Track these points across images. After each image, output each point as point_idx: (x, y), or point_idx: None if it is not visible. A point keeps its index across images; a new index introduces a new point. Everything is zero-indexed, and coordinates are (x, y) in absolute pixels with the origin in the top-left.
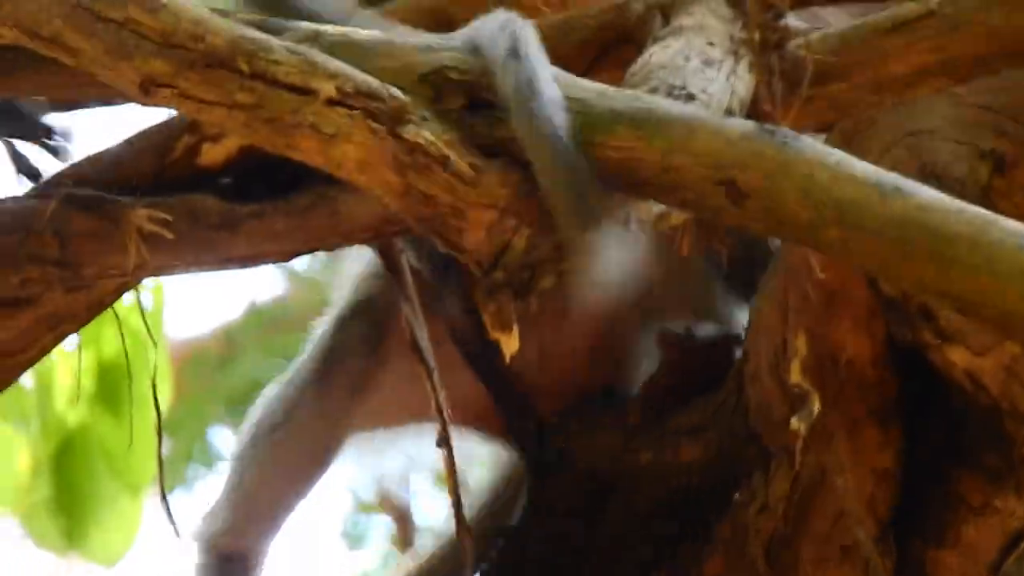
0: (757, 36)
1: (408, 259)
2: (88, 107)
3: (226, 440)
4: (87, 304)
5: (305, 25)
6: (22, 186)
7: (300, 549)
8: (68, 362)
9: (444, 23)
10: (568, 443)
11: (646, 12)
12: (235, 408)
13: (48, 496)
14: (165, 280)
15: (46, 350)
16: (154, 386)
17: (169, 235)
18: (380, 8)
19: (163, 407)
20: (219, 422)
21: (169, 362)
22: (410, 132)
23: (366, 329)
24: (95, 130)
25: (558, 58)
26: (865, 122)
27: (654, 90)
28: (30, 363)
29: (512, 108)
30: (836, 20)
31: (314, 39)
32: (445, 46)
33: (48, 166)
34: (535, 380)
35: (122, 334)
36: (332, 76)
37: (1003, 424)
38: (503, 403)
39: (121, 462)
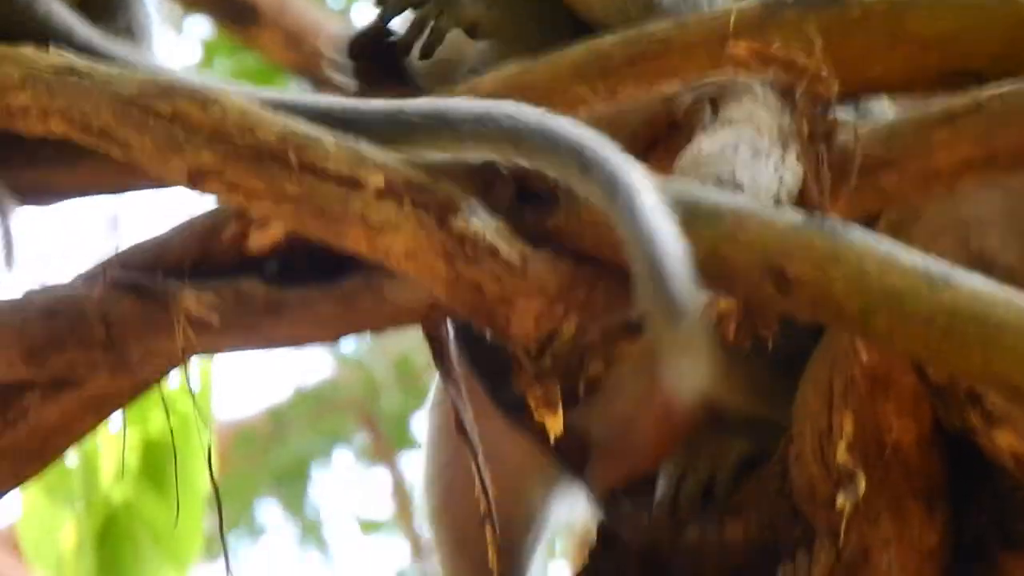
0: (806, 127)
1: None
2: (137, 190)
3: (272, 514)
4: (132, 386)
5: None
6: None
7: None
8: (113, 441)
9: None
10: (622, 518)
11: (695, 103)
12: (285, 483)
13: (93, 569)
14: (212, 360)
15: (90, 430)
16: (209, 461)
17: (215, 320)
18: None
19: (209, 484)
20: (266, 498)
21: (216, 442)
22: (459, 223)
23: None
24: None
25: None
26: (913, 211)
27: (704, 180)
28: (74, 442)
29: (616, 204)
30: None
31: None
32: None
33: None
34: (595, 456)
35: (168, 413)
36: (381, 168)
37: None
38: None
39: (166, 538)
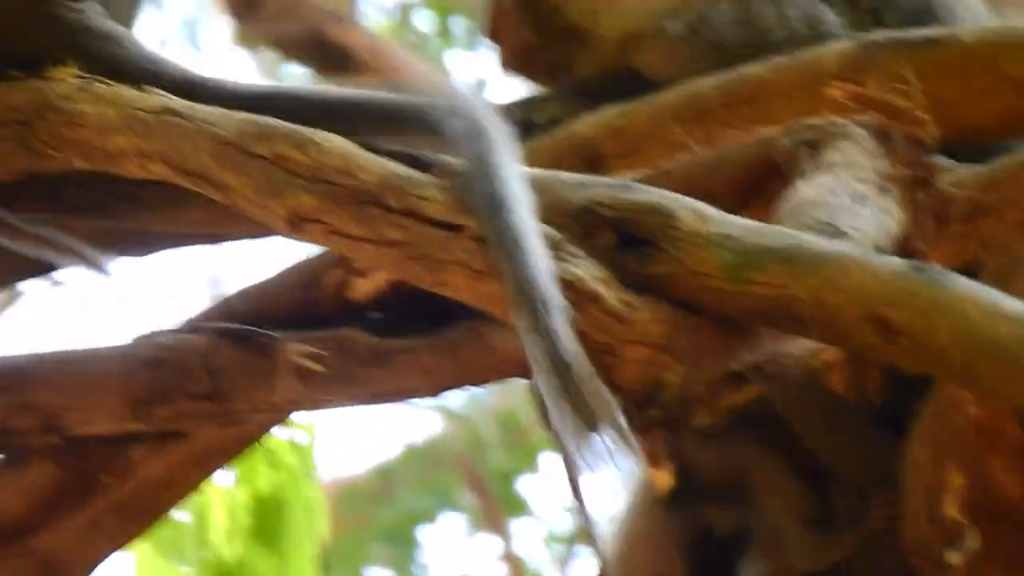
0: (904, 171)
1: None
2: (236, 239)
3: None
4: (238, 439)
5: (452, 161)
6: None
7: None
8: (224, 497)
9: (594, 160)
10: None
11: (794, 147)
12: (392, 544)
13: None
14: (319, 418)
15: (197, 485)
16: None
17: (320, 370)
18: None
19: (319, 542)
20: (377, 559)
21: (325, 498)
22: (561, 269)
23: None
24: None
25: (709, 194)
26: (1017, 259)
27: (804, 226)
28: (182, 497)
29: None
30: None
31: (463, 173)
32: (597, 182)
33: None
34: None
35: (277, 470)
36: None
37: None
38: None
39: None
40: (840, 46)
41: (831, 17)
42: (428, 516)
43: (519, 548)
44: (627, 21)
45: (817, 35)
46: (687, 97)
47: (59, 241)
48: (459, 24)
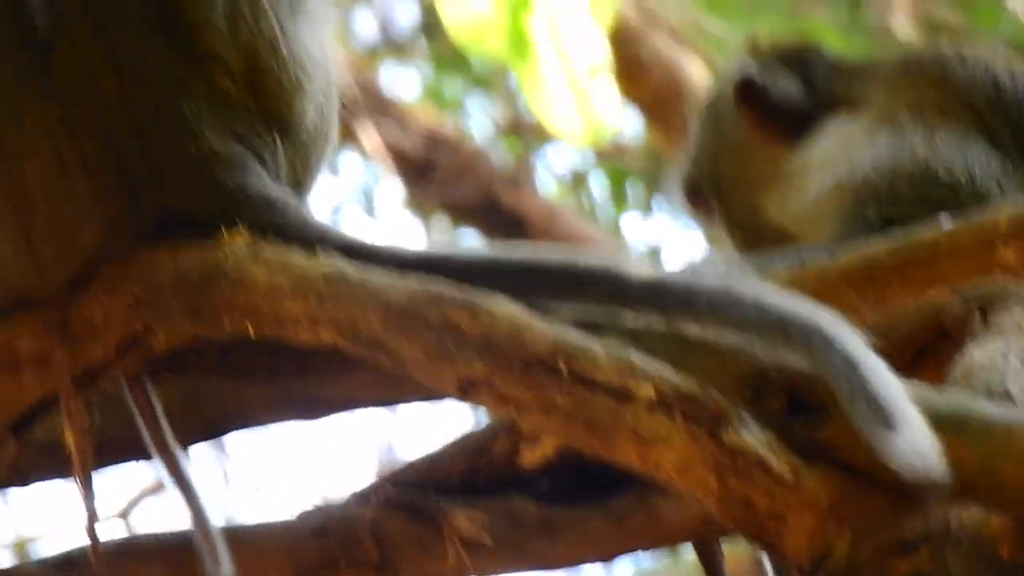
0: None
1: None
2: (406, 402)
3: None
4: None
5: (622, 324)
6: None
7: None
8: None
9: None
10: None
11: (965, 310)
12: None
13: None
14: None
15: None
16: None
17: (488, 540)
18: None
19: None
20: None
21: None
22: (729, 435)
23: None
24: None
25: (880, 355)
26: None
27: (974, 391)
28: None
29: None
30: None
31: (635, 337)
32: (769, 350)
33: None
34: None
35: None
36: (651, 378)
37: None
38: None
39: None
40: (1011, 209)
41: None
42: None
43: None
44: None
45: (984, 192)
46: (859, 260)
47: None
48: (635, 189)
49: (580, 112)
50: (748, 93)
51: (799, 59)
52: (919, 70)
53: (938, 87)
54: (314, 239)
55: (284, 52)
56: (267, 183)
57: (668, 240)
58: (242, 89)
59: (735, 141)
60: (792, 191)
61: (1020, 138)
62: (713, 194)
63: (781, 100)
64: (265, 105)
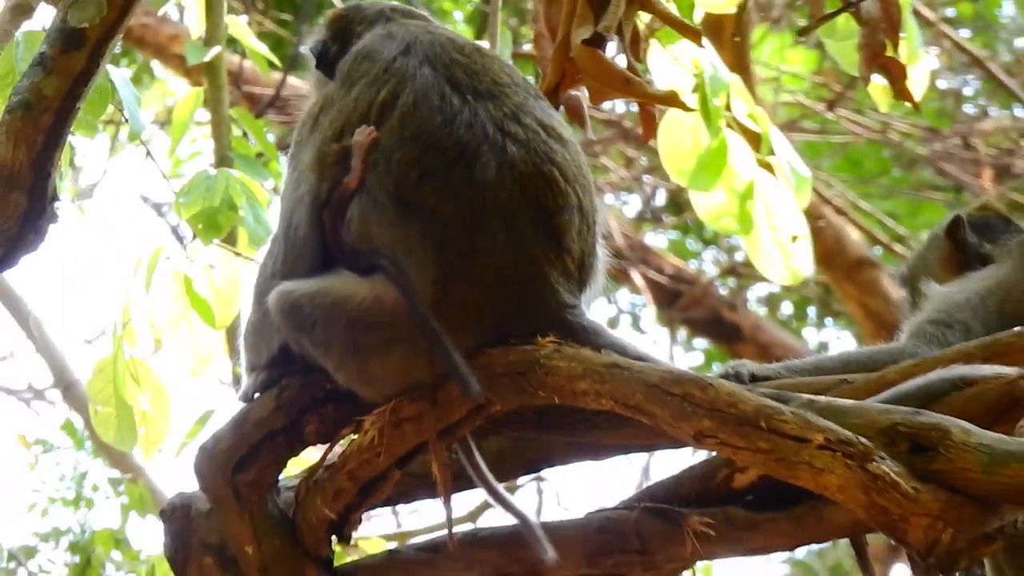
0: None
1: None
2: (660, 448)
3: None
4: None
5: (803, 397)
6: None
7: None
8: None
9: None
10: None
11: None
12: None
13: None
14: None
15: None
16: None
17: (712, 534)
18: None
19: None
20: None
21: None
22: (873, 467)
23: None
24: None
25: (971, 416)
26: None
27: None
28: None
29: None
30: None
31: (809, 405)
32: (898, 409)
33: None
34: None
35: None
36: (821, 431)
37: None
38: None
39: None
40: None
41: None
42: None
43: None
44: None
45: None
46: (955, 354)
47: (456, 357)
48: (812, 309)
49: (784, 263)
50: (952, 231)
51: (991, 224)
52: None
53: None
54: (600, 343)
55: (598, 247)
56: (584, 315)
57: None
58: (576, 267)
59: (932, 259)
60: None
61: None
62: (909, 283)
63: (966, 245)
64: (585, 276)
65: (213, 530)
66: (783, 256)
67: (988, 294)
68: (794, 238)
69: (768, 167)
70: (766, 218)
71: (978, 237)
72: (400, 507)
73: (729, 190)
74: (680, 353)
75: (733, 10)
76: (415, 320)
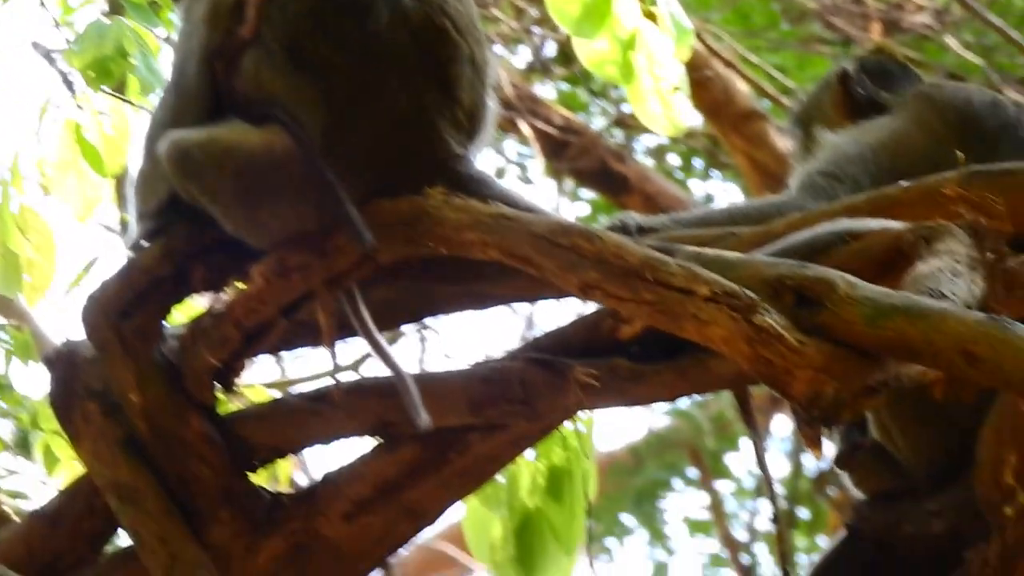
0: (988, 257)
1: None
2: (545, 299)
3: (632, 525)
4: (540, 429)
5: (689, 249)
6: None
7: None
8: (529, 467)
9: None
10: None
11: (915, 240)
12: (640, 504)
13: (512, 555)
14: (595, 415)
15: (512, 459)
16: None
17: (596, 384)
18: None
19: (590, 498)
20: (628, 511)
21: (595, 468)
22: (758, 319)
23: None
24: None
25: (856, 270)
26: None
27: (919, 292)
28: (501, 468)
29: None
30: None
31: (695, 257)
32: (783, 262)
33: None
34: None
35: (565, 449)
36: (707, 283)
37: None
38: None
39: (562, 534)
40: (952, 174)
41: None
42: (665, 483)
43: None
44: None
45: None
46: (842, 208)
47: (349, 206)
48: (699, 161)
49: (665, 113)
50: (842, 81)
51: (887, 70)
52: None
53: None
54: (488, 194)
55: (489, 98)
56: (472, 166)
57: (719, 194)
58: (466, 118)
59: (825, 105)
60: None
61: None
62: (801, 127)
63: (857, 94)
64: (475, 127)
65: (98, 377)
66: (663, 106)
67: (881, 147)
68: (675, 88)
69: (652, 17)
70: (648, 67)
71: (873, 83)
72: (284, 354)
73: (612, 38)
74: (567, 204)
75: None
76: (309, 168)
